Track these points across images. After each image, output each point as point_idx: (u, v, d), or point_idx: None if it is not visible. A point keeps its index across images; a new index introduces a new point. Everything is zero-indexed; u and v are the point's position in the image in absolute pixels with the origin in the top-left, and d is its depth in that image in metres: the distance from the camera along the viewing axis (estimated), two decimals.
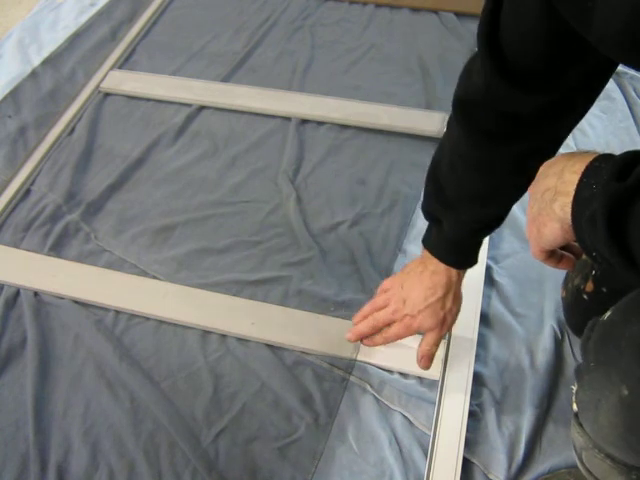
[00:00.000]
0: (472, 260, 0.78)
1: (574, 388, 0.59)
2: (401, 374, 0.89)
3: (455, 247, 0.76)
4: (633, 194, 0.41)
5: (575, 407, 0.58)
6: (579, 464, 0.64)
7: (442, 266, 0.77)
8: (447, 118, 0.70)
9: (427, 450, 0.81)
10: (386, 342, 0.85)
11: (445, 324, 0.81)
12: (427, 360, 0.82)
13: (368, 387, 0.88)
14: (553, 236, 0.52)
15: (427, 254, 0.79)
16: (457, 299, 0.81)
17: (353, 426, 0.85)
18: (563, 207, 0.49)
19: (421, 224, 1.08)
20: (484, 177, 0.68)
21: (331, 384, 0.89)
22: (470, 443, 0.82)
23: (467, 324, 0.91)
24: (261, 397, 0.88)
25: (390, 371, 0.89)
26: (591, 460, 0.60)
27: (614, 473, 0.58)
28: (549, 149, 0.66)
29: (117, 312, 0.98)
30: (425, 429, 0.84)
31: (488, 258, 1.02)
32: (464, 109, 0.64)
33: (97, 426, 0.86)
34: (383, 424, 0.85)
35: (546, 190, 0.51)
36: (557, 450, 0.82)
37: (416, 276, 0.80)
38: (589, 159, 0.47)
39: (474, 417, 0.85)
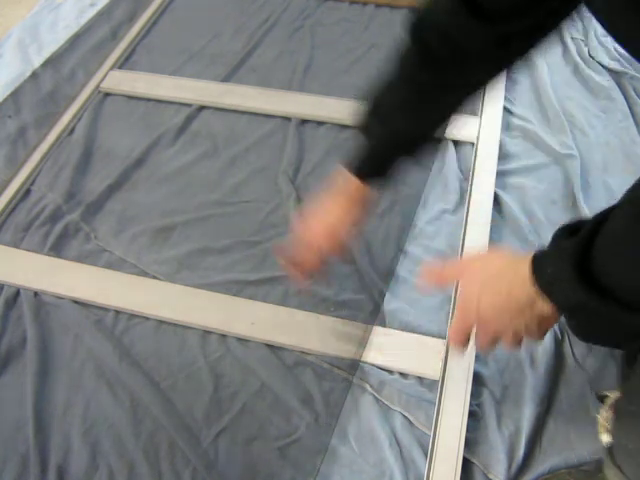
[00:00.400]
0: (376, 174, 0.77)
1: (600, 418, 0.58)
2: (401, 374, 0.89)
3: (367, 156, 0.75)
4: (590, 240, 0.44)
5: (606, 439, 0.58)
6: None
7: (352, 183, 0.77)
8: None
9: (427, 450, 0.81)
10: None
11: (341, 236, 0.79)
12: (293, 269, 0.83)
13: (368, 387, 0.88)
14: (552, 324, 0.55)
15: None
16: (354, 214, 0.79)
17: (353, 426, 0.85)
18: (546, 306, 0.50)
19: (422, 225, 1.08)
20: (415, 89, 0.68)
21: (331, 384, 0.89)
22: (470, 443, 0.82)
23: None
24: (261, 397, 0.88)
25: (390, 371, 0.89)
26: None
27: None
28: (479, 88, 0.67)
29: (117, 312, 0.98)
30: (425, 429, 0.84)
31: None
32: (418, 29, 0.63)
33: (97, 426, 0.86)
34: (383, 424, 0.85)
35: (512, 312, 0.53)
36: (557, 450, 0.82)
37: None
38: (525, 265, 0.50)
39: (474, 417, 0.85)
